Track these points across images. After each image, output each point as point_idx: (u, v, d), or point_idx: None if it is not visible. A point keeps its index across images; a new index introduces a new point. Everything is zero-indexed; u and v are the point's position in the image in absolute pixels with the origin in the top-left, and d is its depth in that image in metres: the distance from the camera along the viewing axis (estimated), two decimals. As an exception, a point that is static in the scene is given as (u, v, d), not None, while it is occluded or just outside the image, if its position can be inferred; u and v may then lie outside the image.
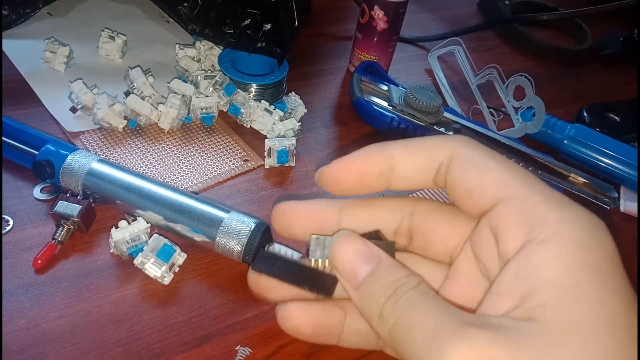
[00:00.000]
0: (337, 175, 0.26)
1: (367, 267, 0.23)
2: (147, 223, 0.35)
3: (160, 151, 0.43)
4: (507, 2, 0.71)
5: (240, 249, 0.34)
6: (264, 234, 0.35)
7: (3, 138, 0.39)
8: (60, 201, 0.36)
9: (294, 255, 0.35)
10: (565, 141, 0.50)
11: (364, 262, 0.24)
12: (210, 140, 0.45)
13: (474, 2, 0.77)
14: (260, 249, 0.34)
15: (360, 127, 0.51)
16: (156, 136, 0.45)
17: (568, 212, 0.21)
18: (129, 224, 0.35)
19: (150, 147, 0.44)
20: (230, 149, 0.45)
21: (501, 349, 0.18)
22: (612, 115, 0.56)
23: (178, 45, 0.51)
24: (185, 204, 0.36)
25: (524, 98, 0.51)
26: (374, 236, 0.26)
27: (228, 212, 0.36)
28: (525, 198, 0.21)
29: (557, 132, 0.51)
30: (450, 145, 0.24)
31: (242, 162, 0.44)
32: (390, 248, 0.25)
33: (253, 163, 0.44)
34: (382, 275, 0.23)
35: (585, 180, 0.47)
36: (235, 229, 0.34)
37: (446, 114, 0.50)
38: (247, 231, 0.34)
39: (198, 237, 0.35)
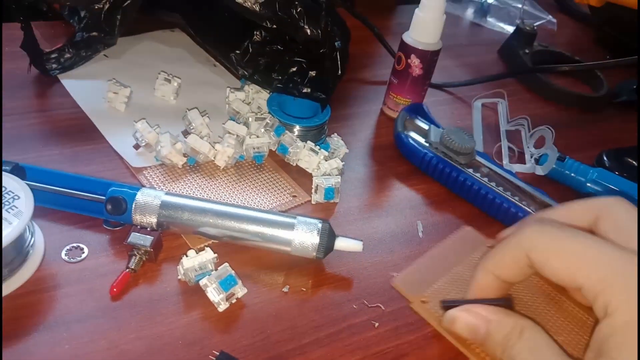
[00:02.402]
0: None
1: (482, 329, 0.34)
2: (215, 253, 0.39)
3: (216, 186, 0.47)
4: (527, 51, 0.75)
5: (316, 242, 0.40)
6: (330, 230, 0.41)
7: (70, 191, 0.41)
8: (133, 232, 0.39)
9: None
10: (588, 184, 0.54)
11: (479, 324, 0.34)
12: (261, 177, 0.49)
13: (495, 50, 0.82)
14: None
15: (397, 166, 0.54)
16: (212, 172, 0.48)
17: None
18: (197, 253, 0.38)
19: (207, 182, 0.47)
20: (279, 185, 0.49)
21: None
22: (630, 160, 0.59)
23: (229, 88, 0.55)
24: (258, 216, 0.41)
25: (544, 145, 0.55)
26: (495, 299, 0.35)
27: (295, 217, 0.41)
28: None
29: (580, 175, 0.55)
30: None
31: (291, 198, 0.48)
32: (509, 302, 0.35)
33: (301, 199, 0.48)
34: (494, 334, 0.33)
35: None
36: (306, 228, 0.40)
37: (478, 158, 0.53)
38: (318, 228, 0.41)
39: (273, 244, 0.41)
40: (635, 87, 0.74)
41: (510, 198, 0.50)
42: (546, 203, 0.51)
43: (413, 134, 0.55)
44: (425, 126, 0.56)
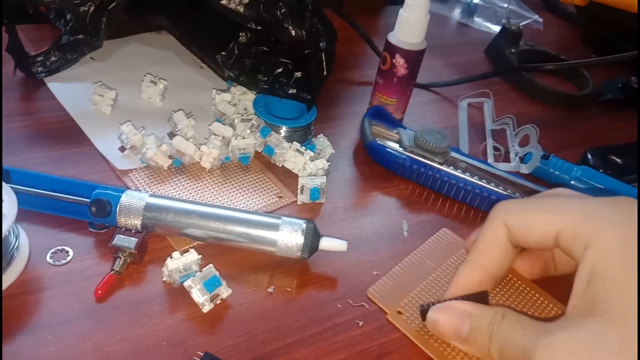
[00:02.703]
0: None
1: (465, 326, 0.33)
2: (199, 255, 0.39)
3: (202, 188, 0.47)
4: (513, 51, 0.76)
5: (301, 242, 0.40)
6: (314, 230, 0.41)
7: (54, 193, 0.41)
8: (117, 235, 0.39)
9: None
10: (572, 182, 0.54)
11: (461, 321, 0.34)
12: (247, 178, 0.49)
13: (481, 49, 0.82)
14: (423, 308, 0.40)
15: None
16: (198, 174, 0.48)
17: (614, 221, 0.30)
18: (182, 255, 0.39)
19: (193, 184, 0.47)
20: (265, 186, 0.49)
21: (568, 344, 0.28)
22: (614, 158, 0.60)
23: (215, 90, 0.55)
24: (243, 217, 0.41)
25: (529, 144, 0.56)
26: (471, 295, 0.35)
27: (279, 218, 0.41)
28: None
29: (564, 172, 0.55)
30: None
31: (277, 199, 0.48)
32: (484, 297, 0.35)
33: (287, 200, 0.48)
34: (477, 325, 0.33)
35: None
36: (291, 229, 0.41)
37: (453, 154, 0.54)
38: (302, 228, 0.41)
39: (258, 244, 0.41)
40: (620, 85, 0.75)
41: (492, 187, 0.51)
42: (527, 188, 0.52)
43: (385, 142, 0.54)
44: (393, 130, 0.56)
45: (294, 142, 0.51)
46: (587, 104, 0.74)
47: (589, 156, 0.59)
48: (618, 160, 0.59)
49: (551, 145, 0.61)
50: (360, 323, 0.39)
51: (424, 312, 0.37)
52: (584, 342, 0.28)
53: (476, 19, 0.90)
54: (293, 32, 0.51)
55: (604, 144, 0.62)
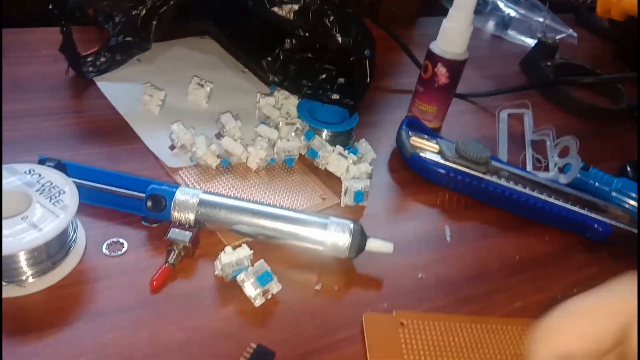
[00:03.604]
0: None
1: None
2: (251, 250, 0.40)
3: (249, 187, 0.48)
4: (549, 64, 0.76)
5: (348, 242, 0.41)
6: (361, 231, 0.42)
7: (111, 187, 0.43)
8: (172, 228, 0.41)
9: None
10: (613, 193, 0.55)
11: None
12: (292, 180, 0.50)
13: (516, 62, 0.83)
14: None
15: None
16: (244, 174, 0.49)
17: None
18: (233, 250, 0.40)
19: (240, 183, 0.48)
20: (309, 187, 0.50)
21: None
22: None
23: (259, 93, 0.56)
24: (293, 216, 0.42)
25: (568, 155, 0.56)
26: None
27: (327, 217, 0.42)
28: None
29: (604, 184, 0.55)
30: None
31: (321, 200, 0.49)
32: None
33: (330, 202, 0.49)
34: None
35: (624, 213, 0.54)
36: (339, 228, 0.41)
37: (494, 163, 0.55)
38: (350, 228, 0.42)
39: (307, 243, 0.42)
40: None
41: (536, 195, 0.52)
42: (571, 195, 0.52)
43: (425, 152, 0.54)
44: (432, 141, 0.56)
45: (337, 146, 0.52)
46: (622, 118, 0.74)
47: (628, 169, 0.59)
48: (657, 173, 0.59)
49: (587, 158, 0.61)
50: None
51: None
52: None
53: (510, 32, 0.91)
54: (340, 40, 0.53)
55: (641, 158, 0.63)
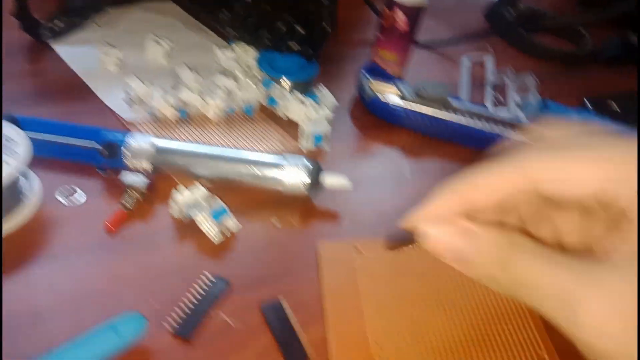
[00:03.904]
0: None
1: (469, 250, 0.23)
2: (206, 190, 0.40)
3: (208, 138, 0.48)
4: (512, 12, 0.76)
5: (305, 179, 0.42)
6: (318, 167, 0.43)
7: (63, 137, 0.43)
8: (125, 172, 0.41)
9: None
10: (572, 126, 0.55)
11: (463, 242, 0.23)
12: (252, 128, 0.50)
13: (480, 12, 0.83)
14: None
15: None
16: (203, 125, 0.50)
17: None
18: (189, 190, 0.40)
19: (199, 134, 0.48)
20: (269, 135, 0.50)
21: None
22: (613, 104, 0.60)
23: (218, 48, 0.56)
24: (249, 156, 0.43)
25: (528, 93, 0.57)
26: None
27: (284, 156, 0.43)
28: None
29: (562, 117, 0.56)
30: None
31: (281, 146, 0.49)
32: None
33: (291, 147, 0.49)
34: (484, 252, 0.23)
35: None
36: (296, 166, 0.42)
37: (454, 102, 0.55)
38: (306, 165, 0.42)
39: (264, 181, 0.42)
40: (619, 42, 0.75)
41: (494, 130, 0.52)
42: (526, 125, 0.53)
43: (386, 95, 0.55)
44: (392, 86, 0.56)
45: (297, 92, 0.52)
46: (587, 61, 0.74)
47: (588, 104, 0.60)
48: (616, 107, 0.60)
49: (549, 97, 0.61)
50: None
51: (401, 239, 0.25)
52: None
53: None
54: (295, -13, 0.52)
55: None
